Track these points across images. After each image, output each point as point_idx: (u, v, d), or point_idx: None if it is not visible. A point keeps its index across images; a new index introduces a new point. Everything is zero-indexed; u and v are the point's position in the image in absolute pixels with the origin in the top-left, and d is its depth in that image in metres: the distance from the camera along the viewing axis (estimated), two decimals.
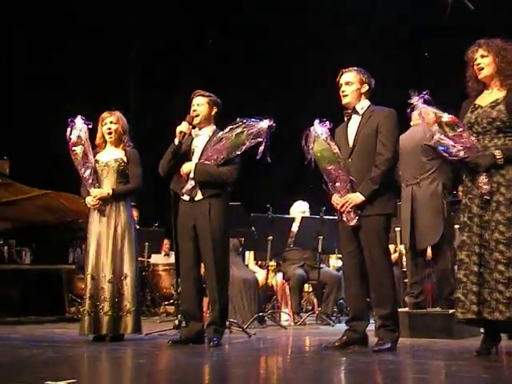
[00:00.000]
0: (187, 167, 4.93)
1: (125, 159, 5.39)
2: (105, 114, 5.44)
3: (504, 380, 3.45)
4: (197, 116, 5.02)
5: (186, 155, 5.01)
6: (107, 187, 5.33)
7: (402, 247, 6.89)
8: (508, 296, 3.85)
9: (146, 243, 8.66)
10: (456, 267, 4.10)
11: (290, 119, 8.38)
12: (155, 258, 9.40)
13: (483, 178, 3.97)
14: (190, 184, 4.91)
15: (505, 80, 4.09)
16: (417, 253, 5.74)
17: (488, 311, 3.90)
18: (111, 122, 5.41)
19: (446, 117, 4.03)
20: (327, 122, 4.62)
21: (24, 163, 8.92)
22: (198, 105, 5.05)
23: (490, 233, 3.97)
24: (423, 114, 4.13)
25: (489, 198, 3.97)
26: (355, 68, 4.68)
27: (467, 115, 4.14)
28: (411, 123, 5.85)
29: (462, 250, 4.07)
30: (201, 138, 5.05)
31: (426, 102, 4.16)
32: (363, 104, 4.66)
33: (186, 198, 4.96)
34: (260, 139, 4.86)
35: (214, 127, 5.09)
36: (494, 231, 3.95)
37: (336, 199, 4.56)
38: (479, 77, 4.16)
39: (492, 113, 4.04)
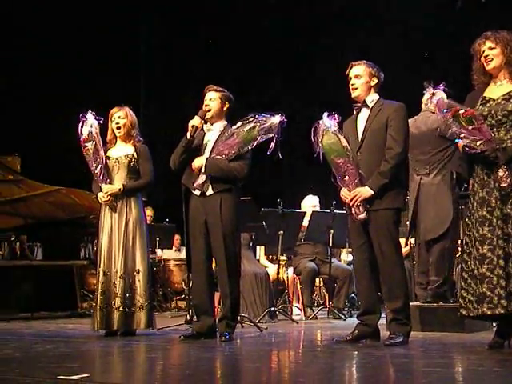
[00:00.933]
0: (199, 162, 4.94)
1: (135, 155, 5.40)
2: (113, 110, 5.46)
3: None
4: (209, 111, 5.03)
5: (198, 150, 5.01)
6: (118, 183, 5.35)
7: (413, 240, 6.88)
8: None
9: (157, 238, 8.69)
10: (476, 262, 4.03)
11: (300, 112, 8.39)
12: (166, 253, 9.44)
13: (504, 172, 3.95)
14: (201, 179, 4.92)
15: None
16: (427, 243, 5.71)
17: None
18: (119, 117, 5.43)
19: (463, 110, 3.99)
20: (336, 115, 4.61)
21: (35, 159, 8.96)
22: (210, 99, 5.05)
23: (511, 226, 3.93)
24: (439, 105, 4.10)
25: (509, 190, 3.94)
26: (364, 61, 4.67)
27: (479, 108, 4.10)
28: (422, 106, 5.78)
29: (484, 244, 3.99)
30: (212, 133, 5.06)
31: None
32: (373, 97, 4.65)
33: (197, 192, 4.97)
34: (271, 135, 4.86)
35: (226, 122, 5.09)
36: None
37: (345, 193, 4.55)
38: (487, 68, 4.14)
39: (507, 105, 4.02)
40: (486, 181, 4.06)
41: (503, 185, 3.94)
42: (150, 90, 11.36)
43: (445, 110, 4.03)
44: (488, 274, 3.95)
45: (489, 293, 3.93)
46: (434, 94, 4.15)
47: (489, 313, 3.94)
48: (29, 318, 7.21)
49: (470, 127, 3.95)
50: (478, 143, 3.95)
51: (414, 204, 5.66)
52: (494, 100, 4.08)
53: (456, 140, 4.09)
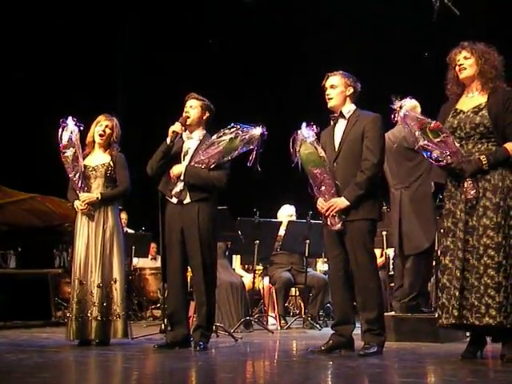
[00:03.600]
0: (177, 169, 4.94)
1: (112, 163, 5.37)
2: (102, 117, 5.42)
3: None
4: (188, 118, 5.03)
5: (176, 157, 5.01)
6: (95, 191, 5.32)
7: (388, 251, 6.92)
8: (499, 301, 3.85)
9: (133, 247, 8.64)
10: (439, 272, 4.10)
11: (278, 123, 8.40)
12: (142, 262, 9.39)
13: (469, 184, 3.99)
14: (179, 186, 4.91)
15: (486, 83, 4.11)
16: (406, 257, 5.73)
17: (477, 316, 3.90)
18: (106, 126, 5.39)
19: (429, 122, 4.05)
20: (314, 126, 4.64)
21: (9, 166, 8.89)
22: (190, 107, 5.06)
23: (477, 238, 3.96)
24: (406, 119, 4.14)
25: (475, 202, 3.99)
26: (340, 72, 4.71)
27: (449, 120, 4.15)
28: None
29: (446, 255, 4.08)
30: (192, 141, 5.07)
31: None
32: (349, 108, 4.68)
33: (174, 200, 4.96)
34: (252, 146, 4.87)
35: (205, 131, 5.10)
36: (482, 236, 3.95)
37: (321, 203, 4.57)
38: (460, 77, 4.17)
39: (475, 118, 4.06)
40: (453, 193, 4.11)
41: (469, 197, 3.99)
42: (127, 95, 11.32)
43: (412, 123, 4.08)
44: (447, 284, 4.03)
45: (446, 303, 4.00)
46: (401, 107, 4.17)
47: (445, 322, 4.01)
48: (2, 326, 7.11)
49: (436, 140, 3.99)
50: (443, 155, 3.99)
51: (399, 220, 5.67)
52: (464, 112, 4.13)
53: (424, 153, 4.12)
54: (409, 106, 4.22)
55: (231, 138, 4.87)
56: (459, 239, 4.01)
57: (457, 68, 4.17)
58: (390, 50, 9.76)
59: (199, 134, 5.07)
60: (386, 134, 4.80)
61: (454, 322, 3.96)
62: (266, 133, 4.90)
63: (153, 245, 9.32)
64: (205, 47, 10.91)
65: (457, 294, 3.94)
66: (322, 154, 4.58)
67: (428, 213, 5.62)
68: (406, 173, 5.68)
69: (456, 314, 3.93)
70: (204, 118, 5.10)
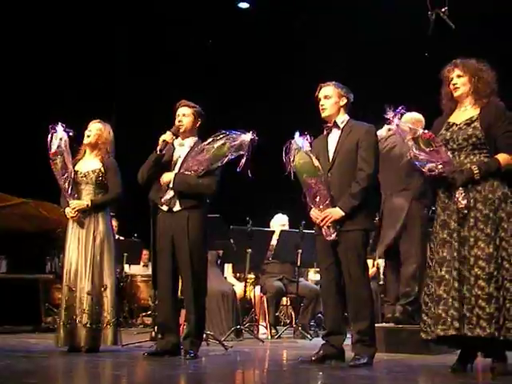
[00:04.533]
0: (167, 177, 4.92)
1: (102, 169, 5.35)
2: (93, 122, 5.42)
3: None
4: (181, 126, 5.02)
5: (167, 165, 5.00)
6: (86, 198, 5.30)
7: (380, 261, 6.92)
8: (489, 312, 3.85)
9: (125, 254, 8.61)
10: (434, 284, 4.07)
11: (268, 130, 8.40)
12: (134, 269, 9.36)
13: (460, 193, 4.00)
14: (169, 194, 4.90)
15: (479, 99, 4.15)
16: (393, 266, 5.76)
17: (468, 328, 3.89)
18: (94, 128, 5.39)
19: (421, 132, 4.06)
20: (308, 135, 4.64)
21: (3, 171, 8.86)
22: (183, 115, 5.05)
23: (467, 249, 3.97)
24: (399, 129, 4.15)
25: (466, 211, 3.99)
26: (333, 82, 4.71)
27: (442, 132, 4.18)
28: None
29: (442, 266, 4.05)
30: (183, 149, 5.04)
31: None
32: (343, 118, 4.69)
33: (164, 208, 4.95)
34: (242, 152, 4.86)
35: (197, 138, 5.08)
36: (472, 247, 3.95)
37: (315, 213, 4.56)
38: (455, 95, 4.22)
39: (468, 130, 4.09)
40: (447, 203, 4.11)
41: (460, 206, 3.99)
42: (123, 105, 11.32)
43: (405, 133, 4.09)
44: (444, 295, 4.00)
45: (444, 314, 3.98)
46: (394, 116, 4.18)
47: (442, 334, 3.98)
48: None
49: (428, 149, 4.01)
50: (435, 165, 4.00)
51: (378, 223, 5.72)
52: (456, 125, 4.15)
53: (416, 163, 4.13)
54: (410, 119, 4.24)
55: (220, 144, 4.86)
56: (454, 250, 4.00)
57: (451, 86, 4.20)
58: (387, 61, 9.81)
59: (190, 141, 5.06)
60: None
61: (454, 333, 3.92)
62: (256, 138, 4.88)
63: (145, 252, 9.30)
64: (201, 51, 10.91)
65: (456, 304, 3.93)
66: (317, 163, 4.57)
67: (395, 221, 5.64)
68: (394, 182, 5.72)
69: (456, 325, 3.90)
70: (197, 125, 5.09)
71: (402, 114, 4.18)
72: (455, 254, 3.99)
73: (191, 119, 5.05)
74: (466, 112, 4.18)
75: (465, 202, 3.98)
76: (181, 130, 5.01)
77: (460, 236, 4.00)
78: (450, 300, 3.96)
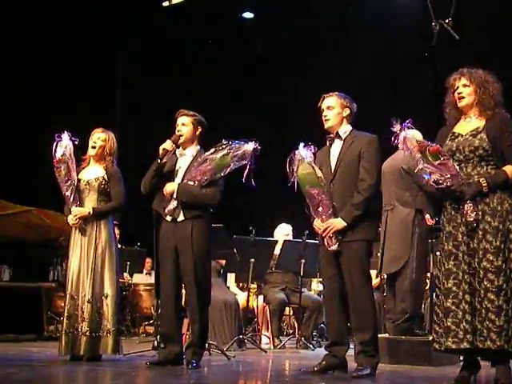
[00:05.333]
0: (170, 187, 4.91)
1: (106, 177, 5.35)
2: (97, 130, 5.43)
3: None
4: (181, 136, 5.02)
5: (169, 174, 4.99)
6: (89, 206, 5.30)
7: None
8: (499, 324, 3.83)
9: (128, 262, 8.61)
10: (442, 296, 4.05)
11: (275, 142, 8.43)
12: (137, 278, 9.35)
13: (469, 206, 3.98)
14: (173, 204, 4.89)
15: (484, 110, 4.12)
16: (394, 278, 5.73)
17: (480, 340, 3.87)
18: (98, 138, 5.39)
19: (428, 145, 4.04)
20: (312, 146, 4.64)
21: (7, 179, 8.87)
22: (182, 124, 5.04)
23: (477, 261, 3.94)
24: (406, 142, 4.14)
25: (475, 224, 3.97)
26: (336, 93, 4.71)
27: (447, 143, 4.15)
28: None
29: (449, 278, 4.02)
30: (185, 158, 5.04)
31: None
32: (346, 128, 4.69)
33: (168, 218, 4.94)
34: (245, 162, 4.86)
35: (198, 147, 5.08)
36: (482, 260, 3.93)
37: (318, 224, 4.56)
38: (459, 105, 4.19)
39: (474, 141, 4.06)
40: (453, 215, 4.09)
41: (469, 219, 3.97)
42: (126, 113, 11.35)
43: (412, 147, 4.07)
44: (453, 307, 3.97)
45: (453, 327, 3.95)
46: (401, 130, 4.16)
47: (454, 347, 3.95)
48: None
49: (436, 162, 3.99)
50: (444, 178, 3.99)
51: (382, 241, 5.70)
52: (462, 136, 4.13)
53: (424, 176, 4.11)
54: (411, 134, 4.23)
55: (223, 154, 4.85)
56: (463, 262, 3.98)
57: (456, 95, 4.18)
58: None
59: (192, 150, 5.05)
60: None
61: (467, 346, 3.89)
62: (258, 148, 4.88)
63: (148, 260, 9.30)
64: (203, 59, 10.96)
65: (468, 317, 3.90)
66: (320, 174, 4.57)
67: (404, 237, 5.60)
68: (394, 196, 5.70)
69: (470, 338, 3.87)
70: (197, 133, 5.07)
71: (408, 128, 4.16)
72: (464, 267, 3.97)
73: (190, 128, 5.04)
74: (471, 123, 4.16)
75: (474, 215, 3.96)
76: (180, 141, 5.00)
77: (469, 248, 3.98)
78: (461, 313, 3.93)
